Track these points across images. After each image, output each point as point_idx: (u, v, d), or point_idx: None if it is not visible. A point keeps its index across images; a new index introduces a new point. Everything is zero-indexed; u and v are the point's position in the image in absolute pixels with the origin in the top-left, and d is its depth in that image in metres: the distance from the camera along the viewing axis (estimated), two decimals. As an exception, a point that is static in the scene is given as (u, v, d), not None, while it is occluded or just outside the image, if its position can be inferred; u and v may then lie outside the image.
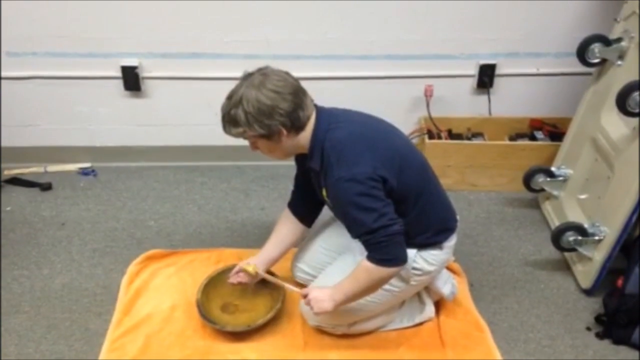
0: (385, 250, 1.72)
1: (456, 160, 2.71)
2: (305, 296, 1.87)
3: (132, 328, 2.04)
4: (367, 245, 1.73)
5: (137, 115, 2.84)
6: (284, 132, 1.72)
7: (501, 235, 2.53)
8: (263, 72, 1.73)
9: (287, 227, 2.05)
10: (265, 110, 1.68)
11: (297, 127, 1.73)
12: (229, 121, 1.73)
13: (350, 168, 1.69)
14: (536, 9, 2.65)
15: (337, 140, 1.73)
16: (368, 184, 1.69)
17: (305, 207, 2.03)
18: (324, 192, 1.81)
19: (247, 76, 1.74)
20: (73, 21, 2.60)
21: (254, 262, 2.01)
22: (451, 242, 1.94)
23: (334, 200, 1.77)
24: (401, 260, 1.74)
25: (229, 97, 1.73)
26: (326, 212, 2.08)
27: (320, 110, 1.79)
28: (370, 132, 1.78)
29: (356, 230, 1.74)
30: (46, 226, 2.54)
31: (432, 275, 1.95)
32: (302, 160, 1.88)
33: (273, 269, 2.11)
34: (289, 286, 2.00)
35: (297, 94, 1.72)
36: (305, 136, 1.76)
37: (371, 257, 1.73)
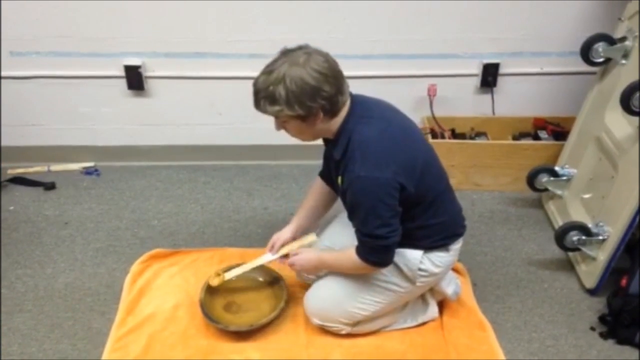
0: (376, 255, 1.77)
1: (459, 160, 2.71)
2: (290, 265, 1.95)
3: (135, 327, 2.04)
4: (361, 243, 1.77)
5: (141, 114, 2.84)
6: (321, 115, 1.69)
7: (505, 235, 2.53)
8: (306, 50, 1.67)
9: (317, 194, 2.05)
10: (308, 90, 1.63)
11: (333, 111, 1.70)
12: (266, 97, 1.66)
13: (372, 169, 1.67)
14: (540, 8, 2.64)
15: (366, 136, 1.70)
16: (385, 190, 1.68)
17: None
18: (339, 180, 1.80)
19: (288, 52, 1.68)
20: (76, 21, 2.60)
21: (283, 236, 2.02)
22: (458, 244, 1.94)
23: (348, 193, 1.75)
24: (387, 264, 1.81)
25: (269, 73, 1.65)
26: (330, 213, 2.08)
27: (354, 98, 1.76)
28: (399, 133, 1.75)
29: (357, 225, 1.76)
30: (49, 225, 2.54)
31: (438, 277, 1.95)
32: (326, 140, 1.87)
33: (277, 269, 2.12)
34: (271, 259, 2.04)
35: (339, 77, 1.69)
36: (336, 122, 1.74)
37: (360, 254, 1.77)
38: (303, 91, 1.63)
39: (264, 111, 1.70)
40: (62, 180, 2.82)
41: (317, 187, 2.06)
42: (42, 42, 2.64)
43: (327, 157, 1.97)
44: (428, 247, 1.87)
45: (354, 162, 1.69)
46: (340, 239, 2.03)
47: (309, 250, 1.97)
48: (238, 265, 2.10)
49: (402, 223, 1.78)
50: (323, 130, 1.76)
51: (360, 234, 1.76)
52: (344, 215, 2.11)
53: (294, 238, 2.04)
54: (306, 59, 1.65)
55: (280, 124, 1.75)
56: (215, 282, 2.06)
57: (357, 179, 1.69)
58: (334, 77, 1.67)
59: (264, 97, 1.67)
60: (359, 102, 1.77)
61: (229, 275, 2.07)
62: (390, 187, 1.68)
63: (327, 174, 2.01)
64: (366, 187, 1.68)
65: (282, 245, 2.03)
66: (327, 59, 1.68)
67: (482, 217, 2.63)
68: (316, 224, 2.10)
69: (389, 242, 1.74)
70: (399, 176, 1.69)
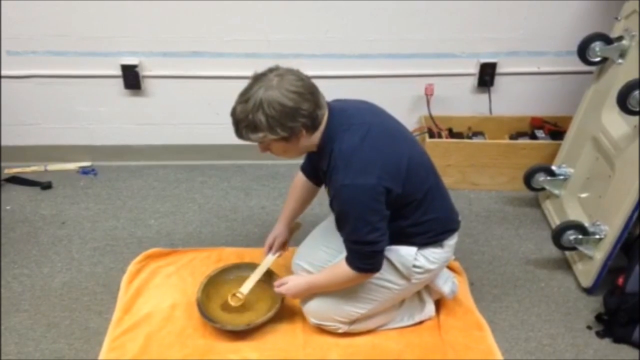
0: (367, 261, 1.78)
1: (457, 159, 2.71)
2: (280, 285, 1.96)
3: (132, 327, 2.04)
4: (350, 251, 1.78)
5: (137, 114, 2.84)
6: (303, 132, 1.69)
7: (502, 234, 2.53)
8: (277, 72, 1.67)
9: (299, 191, 2.07)
10: (288, 112, 1.63)
11: (314, 126, 1.71)
12: (248, 126, 1.66)
13: (356, 177, 1.68)
14: (537, 7, 2.64)
15: (346, 145, 1.70)
16: (371, 195, 1.69)
17: (315, 170, 2.01)
18: (327, 189, 1.82)
19: (260, 77, 1.67)
20: (73, 20, 2.60)
21: (280, 234, 2.09)
22: (452, 240, 1.94)
23: (334, 203, 1.77)
24: (377, 269, 1.81)
25: (245, 101, 1.65)
26: (327, 212, 2.08)
27: (332, 108, 1.76)
28: (380, 136, 1.75)
29: (346, 234, 1.77)
30: (46, 225, 2.54)
31: (434, 274, 1.95)
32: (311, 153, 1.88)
33: (276, 269, 2.12)
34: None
35: (314, 92, 1.69)
36: (317, 135, 1.74)
37: (351, 263, 1.79)
38: (283, 114, 1.63)
39: (247, 139, 1.70)
40: (59, 179, 2.81)
41: (298, 185, 2.08)
42: (38, 41, 2.64)
43: (312, 158, 1.99)
44: (422, 244, 1.87)
45: (337, 172, 1.70)
46: (317, 255, 2.05)
47: (296, 277, 1.98)
48: (236, 268, 2.16)
49: (394, 222, 1.79)
50: (308, 146, 1.77)
51: (350, 242, 1.77)
52: (315, 232, 2.16)
53: (289, 233, 2.12)
54: (279, 80, 1.64)
55: (265, 147, 1.75)
56: (236, 303, 2.05)
57: (341, 187, 1.69)
58: (310, 93, 1.67)
59: (245, 126, 1.67)
60: (337, 111, 1.76)
61: (245, 290, 2.06)
62: (376, 192, 1.69)
63: (308, 168, 2.05)
64: (352, 195, 1.69)
65: (282, 242, 2.08)
66: (300, 76, 1.68)
67: (479, 216, 2.63)
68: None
69: (378, 247, 1.76)
70: (384, 180, 1.69)
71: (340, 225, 1.78)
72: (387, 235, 1.76)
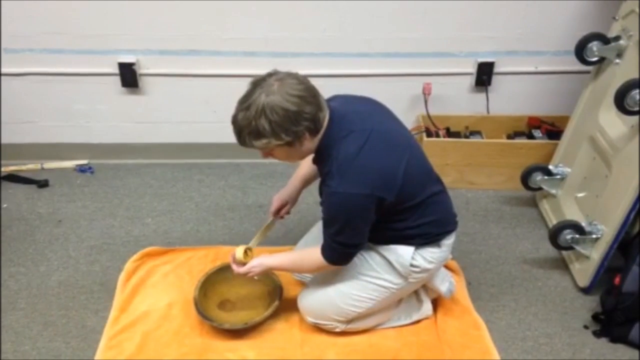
0: (342, 259, 1.83)
1: (454, 159, 2.71)
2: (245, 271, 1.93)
3: (129, 325, 2.03)
4: (330, 247, 1.79)
5: (135, 112, 2.83)
6: (307, 135, 1.67)
7: (499, 234, 2.54)
8: (277, 77, 1.65)
9: (308, 164, 2.02)
10: (291, 116, 1.61)
11: (317, 129, 1.69)
12: (251, 133, 1.64)
13: (349, 186, 1.67)
14: (535, 7, 2.64)
15: (344, 154, 1.69)
16: (362, 204, 1.69)
17: None
18: (320, 190, 1.82)
19: (259, 82, 1.64)
20: (70, 18, 2.59)
21: (291, 197, 2.06)
22: (450, 240, 1.94)
23: (324, 206, 1.76)
24: (348, 263, 1.86)
25: (246, 108, 1.62)
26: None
27: (332, 112, 1.73)
28: (379, 144, 1.72)
29: (330, 234, 1.77)
30: (43, 223, 2.53)
31: (431, 273, 1.95)
32: None
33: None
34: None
35: (316, 95, 1.68)
36: (319, 138, 1.73)
37: (326, 256, 1.82)
38: (286, 118, 1.61)
39: (251, 146, 1.68)
40: (56, 177, 2.80)
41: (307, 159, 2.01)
42: (35, 39, 2.63)
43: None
44: (419, 244, 1.87)
45: (331, 178, 1.69)
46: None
47: (260, 263, 1.91)
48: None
49: (391, 223, 1.80)
50: (310, 149, 1.75)
51: (332, 240, 1.77)
52: (314, 230, 2.14)
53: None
54: (280, 85, 1.62)
55: (267, 153, 1.74)
56: (245, 257, 1.95)
57: (334, 194, 1.69)
58: (312, 96, 1.65)
59: (248, 133, 1.64)
60: (338, 115, 1.74)
61: (253, 244, 2.01)
62: (367, 201, 1.69)
63: None
64: (343, 203, 1.69)
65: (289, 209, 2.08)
66: (300, 79, 1.66)
67: (476, 215, 2.63)
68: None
69: (358, 249, 1.81)
70: (377, 190, 1.69)
71: (327, 225, 1.78)
72: (365, 242, 1.81)
